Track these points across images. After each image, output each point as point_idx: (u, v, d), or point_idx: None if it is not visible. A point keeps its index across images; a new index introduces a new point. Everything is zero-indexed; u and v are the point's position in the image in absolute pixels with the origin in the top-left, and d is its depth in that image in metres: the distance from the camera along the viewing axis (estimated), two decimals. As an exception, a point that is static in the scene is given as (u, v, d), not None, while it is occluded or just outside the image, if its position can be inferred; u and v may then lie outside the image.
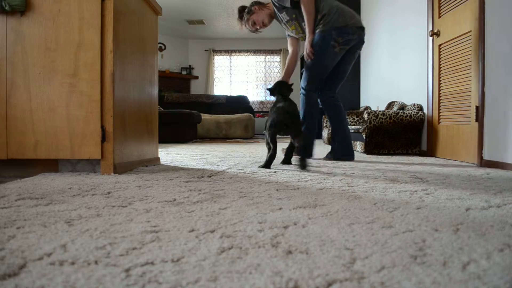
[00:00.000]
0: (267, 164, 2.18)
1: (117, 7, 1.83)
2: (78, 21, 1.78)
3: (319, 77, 2.74)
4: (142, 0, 2.20)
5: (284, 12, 2.72)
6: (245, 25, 2.87)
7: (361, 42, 2.75)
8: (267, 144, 2.23)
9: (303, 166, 2.11)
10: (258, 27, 2.84)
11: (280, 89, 2.43)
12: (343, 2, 2.75)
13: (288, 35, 2.95)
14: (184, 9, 7.94)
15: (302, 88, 2.77)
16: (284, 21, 2.79)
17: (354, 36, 2.65)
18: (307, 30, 2.65)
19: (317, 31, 2.65)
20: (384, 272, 0.60)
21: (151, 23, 2.36)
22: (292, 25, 2.79)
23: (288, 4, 2.62)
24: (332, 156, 2.83)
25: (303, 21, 2.67)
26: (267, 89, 2.56)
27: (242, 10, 2.87)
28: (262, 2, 2.85)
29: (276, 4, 2.72)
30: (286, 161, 2.45)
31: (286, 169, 2.12)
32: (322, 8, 2.62)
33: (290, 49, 2.96)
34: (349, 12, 2.67)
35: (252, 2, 2.85)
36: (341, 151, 2.83)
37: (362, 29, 2.69)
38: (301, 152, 2.19)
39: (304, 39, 2.80)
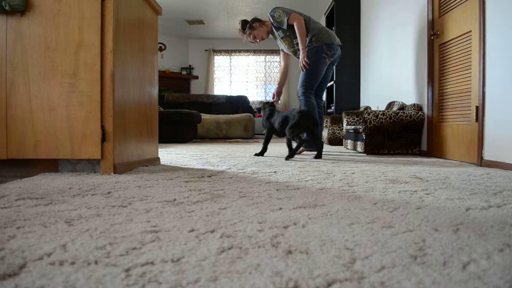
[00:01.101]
0: (292, 155, 2.86)
1: (117, 7, 1.83)
2: (78, 21, 1.78)
3: (314, 83, 3.38)
4: (142, 0, 2.20)
5: (280, 30, 3.45)
6: (246, 37, 3.56)
7: (339, 57, 3.51)
8: (295, 137, 2.86)
9: (319, 156, 2.92)
10: (257, 40, 3.55)
11: (266, 105, 3.28)
12: None
13: (282, 49, 3.64)
14: (184, 9, 7.94)
15: (302, 93, 3.34)
16: (279, 38, 3.50)
17: (337, 52, 3.41)
18: (300, 47, 3.32)
19: (311, 46, 3.34)
20: (384, 272, 0.60)
21: (151, 23, 2.36)
22: (285, 41, 3.50)
23: (285, 27, 3.36)
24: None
25: (295, 38, 3.38)
26: (257, 108, 3.51)
27: (244, 24, 3.50)
28: (261, 19, 3.51)
29: (274, 24, 3.42)
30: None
31: (286, 169, 2.12)
32: (312, 29, 3.35)
33: (282, 63, 3.76)
34: (332, 34, 3.43)
35: (252, 19, 3.49)
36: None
37: (341, 47, 3.47)
38: (317, 146, 2.97)
39: (294, 54, 3.54)
